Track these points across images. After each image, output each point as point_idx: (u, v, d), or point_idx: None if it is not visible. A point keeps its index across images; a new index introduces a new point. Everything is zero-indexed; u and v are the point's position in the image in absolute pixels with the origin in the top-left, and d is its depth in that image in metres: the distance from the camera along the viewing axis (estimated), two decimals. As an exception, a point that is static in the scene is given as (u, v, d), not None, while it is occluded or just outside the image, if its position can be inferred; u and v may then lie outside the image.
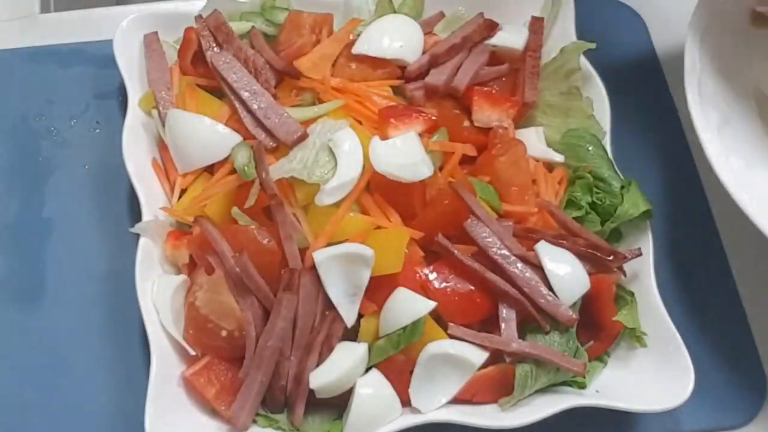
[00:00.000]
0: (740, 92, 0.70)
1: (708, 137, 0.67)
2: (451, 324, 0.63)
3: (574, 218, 0.68)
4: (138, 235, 0.66)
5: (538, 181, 0.70)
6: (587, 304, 0.65)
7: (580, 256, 0.66)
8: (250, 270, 0.62)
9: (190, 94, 0.70)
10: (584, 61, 0.74)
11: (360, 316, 0.63)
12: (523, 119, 0.74)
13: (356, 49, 0.71)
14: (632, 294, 0.68)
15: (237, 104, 0.69)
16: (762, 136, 0.69)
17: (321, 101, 0.70)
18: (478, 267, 0.64)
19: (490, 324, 0.64)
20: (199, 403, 0.63)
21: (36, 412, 0.66)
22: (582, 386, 0.65)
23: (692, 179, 0.79)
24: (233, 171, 0.66)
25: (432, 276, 0.64)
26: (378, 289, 0.62)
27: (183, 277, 0.65)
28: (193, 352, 0.63)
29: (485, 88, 0.72)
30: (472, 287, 0.64)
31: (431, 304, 0.61)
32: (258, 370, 0.61)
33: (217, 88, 0.71)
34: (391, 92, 0.70)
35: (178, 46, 0.73)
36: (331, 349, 0.62)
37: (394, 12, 0.74)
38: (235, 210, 0.65)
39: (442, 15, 0.77)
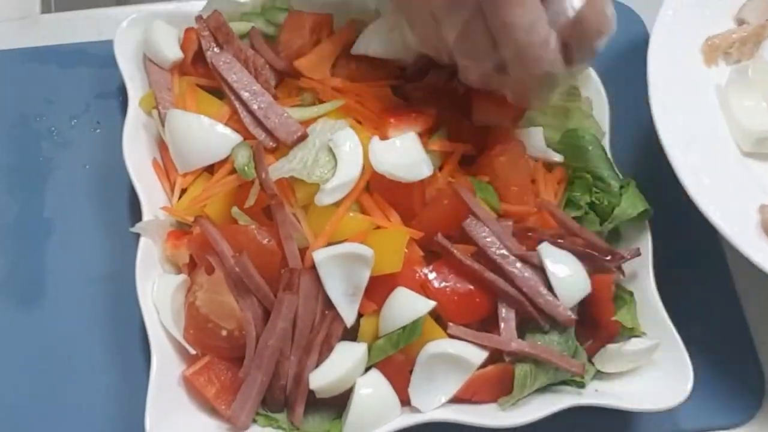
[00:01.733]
0: (705, 106, 0.72)
1: (675, 151, 0.68)
2: (451, 324, 0.63)
3: (573, 218, 0.68)
4: (138, 235, 0.66)
5: (538, 181, 0.70)
6: (586, 304, 0.65)
7: (579, 255, 0.66)
8: (250, 270, 0.62)
9: (191, 94, 0.71)
10: (584, 62, 0.73)
11: (360, 315, 0.63)
12: (522, 119, 0.74)
13: (356, 49, 0.71)
14: (631, 294, 0.68)
15: (237, 104, 0.69)
16: (727, 153, 0.71)
17: (321, 101, 0.70)
18: (478, 267, 0.64)
19: (489, 324, 0.64)
20: (199, 402, 0.63)
21: (36, 411, 0.66)
22: (581, 386, 0.65)
23: (691, 179, 0.79)
24: (233, 171, 0.66)
25: (431, 276, 0.64)
26: (378, 289, 0.63)
27: (183, 276, 0.65)
28: (193, 352, 0.63)
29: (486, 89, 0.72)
30: (472, 287, 0.64)
31: (431, 304, 0.62)
32: (258, 370, 0.61)
33: (217, 88, 0.71)
34: (390, 92, 0.70)
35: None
36: (330, 349, 0.62)
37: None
38: (235, 210, 0.65)
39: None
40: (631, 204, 0.69)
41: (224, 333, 0.62)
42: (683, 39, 0.75)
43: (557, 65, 0.60)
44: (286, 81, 0.72)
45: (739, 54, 0.76)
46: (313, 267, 0.62)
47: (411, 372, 0.62)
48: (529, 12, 0.58)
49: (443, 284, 0.64)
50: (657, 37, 0.73)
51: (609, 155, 0.72)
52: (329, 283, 0.62)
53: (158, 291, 0.64)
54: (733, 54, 0.76)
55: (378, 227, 0.64)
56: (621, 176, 0.71)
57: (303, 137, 0.66)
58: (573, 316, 0.64)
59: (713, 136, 0.72)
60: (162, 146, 0.71)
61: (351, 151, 0.65)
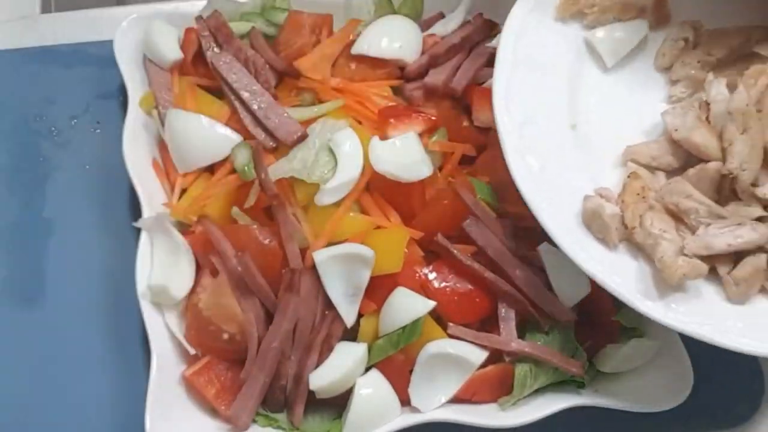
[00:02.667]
0: (550, 91, 0.67)
1: (508, 131, 0.63)
2: (451, 324, 0.63)
3: (573, 218, 0.68)
4: (138, 235, 0.66)
5: (538, 181, 0.70)
6: (586, 304, 0.65)
7: (580, 255, 0.66)
8: (251, 269, 0.62)
9: (190, 94, 0.70)
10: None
11: (360, 315, 0.63)
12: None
13: (356, 49, 0.71)
14: (631, 294, 0.68)
15: (237, 104, 0.69)
16: (563, 140, 0.66)
17: (321, 101, 0.70)
18: (478, 267, 0.64)
19: (489, 323, 0.65)
20: (199, 402, 0.63)
21: (36, 411, 0.66)
22: (581, 386, 0.65)
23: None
24: (233, 171, 0.66)
25: (432, 276, 0.64)
26: (378, 289, 0.63)
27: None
28: (193, 352, 0.63)
29: (485, 88, 0.72)
30: (472, 287, 0.64)
31: (431, 304, 0.62)
32: (261, 371, 0.61)
33: (217, 88, 0.71)
34: (390, 92, 0.70)
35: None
36: (330, 349, 0.62)
37: (394, 12, 0.74)
38: (235, 210, 0.65)
39: (441, 15, 0.77)
40: (631, 204, 0.68)
41: (226, 336, 0.62)
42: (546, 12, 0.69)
43: None
44: (286, 81, 0.72)
45: (594, 20, 0.69)
46: (314, 267, 0.62)
47: (411, 372, 0.62)
48: None
49: (443, 284, 0.64)
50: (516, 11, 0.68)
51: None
52: (329, 284, 0.62)
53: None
54: (589, 16, 0.69)
55: (378, 227, 0.64)
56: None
57: (303, 137, 0.66)
58: (573, 317, 0.64)
59: (553, 115, 0.67)
60: (162, 146, 0.71)
61: (351, 151, 0.65)
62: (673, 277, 0.58)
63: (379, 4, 0.75)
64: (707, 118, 0.64)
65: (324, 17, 0.73)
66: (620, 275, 0.60)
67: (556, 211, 0.62)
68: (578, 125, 0.67)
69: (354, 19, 0.74)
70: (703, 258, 0.60)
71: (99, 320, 0.69)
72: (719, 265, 0.61)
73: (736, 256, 0.61)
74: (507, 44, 0.66)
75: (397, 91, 0.71)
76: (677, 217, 0.62)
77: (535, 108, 0.65)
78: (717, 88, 0.64)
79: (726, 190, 0.63)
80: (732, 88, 0.64)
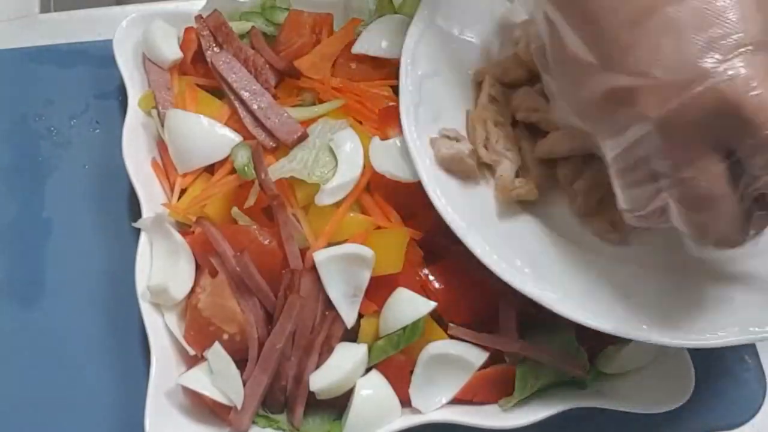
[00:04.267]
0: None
1: (408, 83, 0.65)
2: (452, 324, 0.63)
3: (574, 218, 0.68)
4: (137, 235, 0.66)
5: (539, 181, 0.70)
6: (587, 305, 0.65)
7: (581, 256, 0.66)
8: (251, 270, 0.62)
9: (190, 94, 0.70)
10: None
11: (360, 316, 0.63)
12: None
13: (356, 49, 0.71)
14: (632, 294, 0.68)
15: (237, 104, 0.69)
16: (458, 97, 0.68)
17: (321, 101, 0.70)
18: (478, 267, 0.63)
19: (490, 324, 0.64)
20: (200, 403, 0.63)
21: (36, 411, 0.66)
22: (582, 387, 0.65)
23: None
24: (233, 171, 0.66)
25: (432, 276, 0.64)
26: (378, 289, 0.62)
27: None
28: (193, 352, 0.63)
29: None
30: (472, 287, 0.64)
31: (431, 305, 0.61)
32: (264, 372, 0.61)
33: (217, 88, 0.71)
34: (391, 92, 0.70)
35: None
36: (331, 350, 0.62)
37: (394, 12, 0.74)
38: (235, 210, 0.65)
39: (441, 15, 0.77)
40: (632, 204, 0.68)
41: (226, 337, 0.62)
42: None
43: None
44: (286, 81, 0.71)
45: None
46: (314, 268, 0.62)
47: (411, 373, 0.62)
48: None
49: (444, 285, 0.64)
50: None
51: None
52: (330, 284, 0.62)
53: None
54: None
55: (378, 227, 0.64)
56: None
57: (303, 137, 0.66)
58: (574, 317, 0.64)
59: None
60: (161, 146, 0.70)
61: (351, 151, 0.64)
62: (508, 196, 0.61)
63: (379, 4, 0.74)
64: None
65: (324, 17, 0.73)
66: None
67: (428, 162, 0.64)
68: None
69: (354, 18, 0.74)
70: (547, 163, 0.63)
71: (98, 321, 0.69)
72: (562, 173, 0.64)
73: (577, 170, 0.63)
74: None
75: (397, 91, 0.71)
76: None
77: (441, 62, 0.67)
78: None
79: None
80: None
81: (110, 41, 0.72)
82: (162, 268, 0.64)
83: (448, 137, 0.64)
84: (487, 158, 0.64)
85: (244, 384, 0.61)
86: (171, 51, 0.72)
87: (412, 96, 0.65)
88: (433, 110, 0.66)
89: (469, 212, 0.62)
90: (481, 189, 0.64)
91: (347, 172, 0.64)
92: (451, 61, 0.68)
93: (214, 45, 0.72)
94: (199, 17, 0.73)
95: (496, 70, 0.67)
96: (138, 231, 0.66)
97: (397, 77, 0.70)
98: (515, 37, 0.68)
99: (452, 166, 0.64)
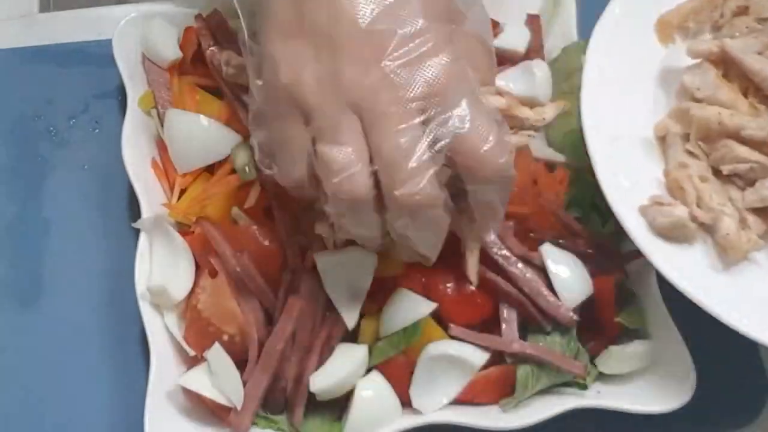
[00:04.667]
0: (636, 105, 0.67)
1: (598, 150, 0.64)
2: (452, 325, 0.62)
3: (575, 218, 0.68)
4: (137, 235, 0.66)
5: (539, 182, 0.70)
6: (588, 305, 0.65)
7: (581, 256, 0.65)
8: (251, 270, 0.62)
9: (190, 93, 0.70)
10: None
11: (360, 316, 0.63)
12: (523, 119, 0.74)
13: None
14: (634, 294, 0.67)
15: (237, 104, 0.69)
16: (647, 157, 0.66)
17: (321, 101, 0.69)
18: (479, 267, 0.63)
19: (490, 325, 0.64)
20: (200, 404, 0.62)
21: (35, 411, 0.66)
22: (583, 387, 0.65)
23: (693, 179, 0.78)
24: (233, 171, 0.66)
25: (433, 277, 0.63)
26: (379, 290, 0.62)
27: (184, 276, 0.65)
28: (193, 353, 0.63)
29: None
30: (473, 288, 0.63)
31: (432, 305, 0.61)
32: (264, 373, 0.61)
33: (217, 88, 0.71)
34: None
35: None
36: (331, 351, 0.62)
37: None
38: (235, 210, 0.64)
39: (442, 14, 0.77)
40: (633, 204, 0.68)
41: (225, 337, 0.62)
42: (634, 24, 0.69)
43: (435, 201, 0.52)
44: (286, 80, 0.71)
45: (696, 24, 0.70)
46: (314, 268, 0.62)
47: (412, 374, 0.62)
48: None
49: (444, 285, 0.63)
50: (602, 25, 0.68)
51: (611, 155, 0.71)
52: (330, 285, 0.61)
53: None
54: (691, 26, 0.70)
55: (379, 228, 0.64)
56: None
57: (303, 137, 0.66)
58: (575, 317, 0.64)
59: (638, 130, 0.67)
60: (161, 146, 0.70)
61: (351, 151, 0.64)
62: (741, 254, 0.59)
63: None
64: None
65: (324, 16, 0.73)
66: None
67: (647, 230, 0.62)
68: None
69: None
70: (757, 211, 0.61)
71: (97, 321, 0.69)
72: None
73: None
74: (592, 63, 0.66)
75: (397, 90, 0.71)
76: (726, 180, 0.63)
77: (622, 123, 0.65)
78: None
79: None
80: None
81: (110, 41, 0.72)
82: (162, 268, 0.64)
83: (661, 204, 0.62)
84: (706, 218, 0.61)
85: (244, 385, 0.61)
86: (171, 51, 0.72)
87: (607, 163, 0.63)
88: (628, 175, 0.63)
89: (700, 277, 0.61)
90: (697, 247, 0.62)
91: (347, 172, 0.63)
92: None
93: (213, 44, 0.72)
94: (198, 16, 0.73)
95: (683, 122, 0.64)
96: (138, 231, 0.66)
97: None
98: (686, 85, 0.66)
99: (672, 233, 0.61)
